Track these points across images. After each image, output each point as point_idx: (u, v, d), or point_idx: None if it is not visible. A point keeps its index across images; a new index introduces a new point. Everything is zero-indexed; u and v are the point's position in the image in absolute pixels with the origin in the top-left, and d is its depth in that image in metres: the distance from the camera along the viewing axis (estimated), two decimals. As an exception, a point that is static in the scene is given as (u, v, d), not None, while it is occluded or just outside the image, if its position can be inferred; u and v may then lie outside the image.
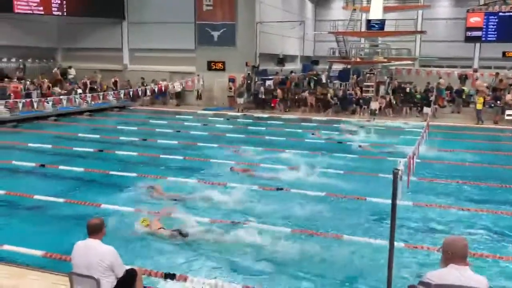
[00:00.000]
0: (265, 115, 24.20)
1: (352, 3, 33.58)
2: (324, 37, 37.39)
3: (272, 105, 26.25)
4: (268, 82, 27.70)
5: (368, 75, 27.26)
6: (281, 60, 30.77)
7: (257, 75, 28.11)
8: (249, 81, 27.11)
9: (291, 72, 29.49)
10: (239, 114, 24.73)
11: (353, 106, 24.82)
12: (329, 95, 25.21)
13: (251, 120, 22.82)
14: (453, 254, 3.75)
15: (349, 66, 30.30)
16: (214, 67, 27.53)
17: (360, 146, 15.94)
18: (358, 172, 12.39)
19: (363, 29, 31.78)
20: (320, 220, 8.83)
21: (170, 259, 7.08)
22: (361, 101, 24.65)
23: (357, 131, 19.35)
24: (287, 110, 25.63)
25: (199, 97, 27.47)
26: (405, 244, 7.58)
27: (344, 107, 24.94)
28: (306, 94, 25.85)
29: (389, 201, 4.62)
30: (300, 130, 19.53)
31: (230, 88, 26.72)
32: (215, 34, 27.13)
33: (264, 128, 20.08)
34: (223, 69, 27.36)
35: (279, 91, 26.39)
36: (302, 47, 38.33)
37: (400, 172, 5.36)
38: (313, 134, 17.98)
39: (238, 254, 7.27)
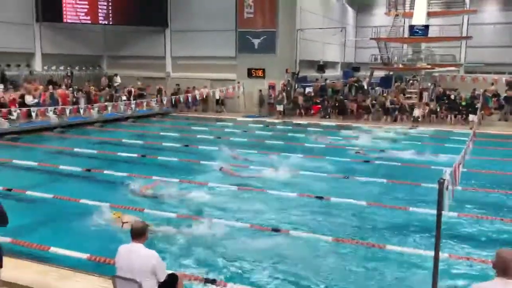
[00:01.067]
0: (305, 122, 24.11)
1: (394, 9, 33.07)
2: (365, 43, 37.02)
3: (312, 112, 26.15)
4: (308, 89, 27.62)
5: (411, 81, 26.75)
6: (321, 66, 30.64)
7: (297, 82, 28.08)
8: (288, 88, 27.11)
9: (325, 79, 29.26)
10: (278, 121, 24.74)
11: (395, 113, 24.39)
12: (369, 102, 24.89)
13: (290, 127, 22.77)
14: (502, 267, 3.62)
15: (391, 73, 29.83)
16: (254, 74, 27.67)
17: (401, 154, 15.63)
18: (400, 180, 12.14)
19: (406, 35, 31.27)
20: (364, 229, 8.71)
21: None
22: (403, 108, 24.19)
23: (398, 139, 18.98)
24: (327, 117, 25.45)
25: (238, 104, 27.61)
26: (450, 254, 7.35)
27: (385, 114, 24.54)
28: (346, 101, 25.60)
29: (434, 211, 4.50)
30: (340, 138, 19.34)
31: (270, 95, 26.78)
32: (256, 41, 27.30)
33: (303, 135, 20.01)
34: (263, 76, 27.46)
35: (319, 97, 26.26)
36: (342, 53, 38.08)
37: (446, 182, 5.22)
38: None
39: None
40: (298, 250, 7.67)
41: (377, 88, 28.80)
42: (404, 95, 25.62)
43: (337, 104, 26.05)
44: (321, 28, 30.69)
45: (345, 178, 12.29)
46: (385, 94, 27.35)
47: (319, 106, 26.33)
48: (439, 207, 4.46)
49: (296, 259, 7.30)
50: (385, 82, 29.93)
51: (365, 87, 27.90)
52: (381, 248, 7.68)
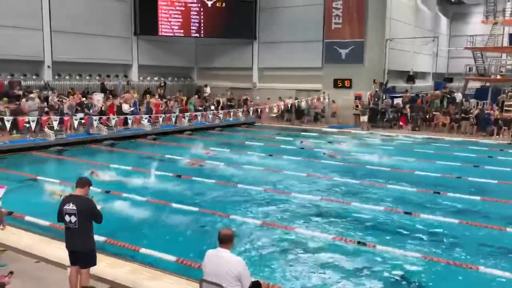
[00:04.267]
0: (392, 134, 23.38)
1: (493, 17, 31.17)
2: (459, 53, 35.25)
3: (400, 123, 25.30)
4: (396, 100, 26.79)
5: (510, 93, 24.99)
6: (411, 77, 29.57)
7: (385, 93, 27.36)
8: (376, 99, 26.48)
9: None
10: (364, 132, 24.23)
11: (492, 127, 22.89)
12: (463, 114, 23.60)
13: (376, 139, 22.19)
14: None
15: (487, 84, 28.07)
16: (340, 85, 27.37)
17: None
18: (496, 198, 11.38)
19: (505, 44, 29.31)
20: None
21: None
22: (500, 121, 22.65)
23: (495, 154, 17.79)
24: (417, 129, 24.48)
25: (323, 114, 27.43)
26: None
27: (481, 127, 23.12)
28: (438, 113, 24.47)
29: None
30: (431, 151, 18.52)
31: (356, 106, 26.32)
32: (343, 51, 27.02)
33: (391, 148, 19.41)
34: (350, 87, 27.06)
35: (408, 109, 25.38)
36: (434, 63, 36.48)
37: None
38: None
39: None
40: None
41: (471, 100, 27.22)
42: (502, 108, 23.97)
43: (427, 116, 25.00)
44: (412, 38, 29.66)
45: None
46: (479, 106, 25.80)
47: (408, 117, 25.41)
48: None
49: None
50: (481, 93, 28.24)
51: (458, 98, 26.47)
52: None
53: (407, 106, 25.68)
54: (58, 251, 6.82)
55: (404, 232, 9.11)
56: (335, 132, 24.49)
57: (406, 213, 10.08)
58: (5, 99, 19.90)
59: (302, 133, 24.07)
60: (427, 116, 25.00)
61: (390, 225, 9.49)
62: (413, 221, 9.69)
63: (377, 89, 26.84)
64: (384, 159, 16.53)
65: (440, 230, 9.18)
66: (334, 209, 10.51)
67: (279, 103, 27.28)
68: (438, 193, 11.83)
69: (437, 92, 28.27)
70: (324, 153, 17.42)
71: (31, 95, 20.50)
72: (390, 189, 12.29)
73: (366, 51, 26.60)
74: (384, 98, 26.92)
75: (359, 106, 25.92)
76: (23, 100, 19.87)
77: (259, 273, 6.93)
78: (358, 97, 26.52)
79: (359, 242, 8.27)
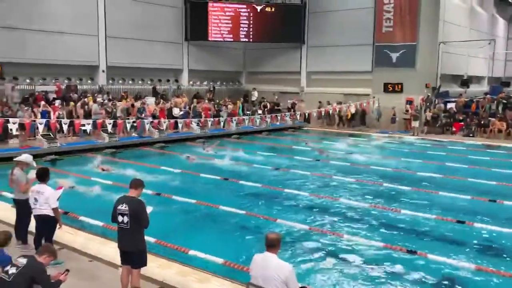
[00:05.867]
0: (445, 140, 22.66)
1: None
2: (518, 56, 33.78)
3: (454, 129, 24.49)
4: (449, 105, 25.97)
5: None
6: (465, 81, 28.56)
7: (438, 97, 26.57)
8: (428, 104, 25.75)
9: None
10: (415, 138, 23.61)
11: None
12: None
13: (428, 145, 21.57)
14: None
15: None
16: (390, 89, 26.81)
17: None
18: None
19: None
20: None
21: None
22: None
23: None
24: (471, 135, 23.60)
25: (376, 119, 26.91)
26: None
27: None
28: (493, 118, 23.51)
29: None
30: (487, 158, 17.81)
31: (407, 111, 25.69)
32: (394, 55, 26.48)
33: (444, 154, 18.83)
34: (401, 91, 26.46)
35: (462, 114, 24.52)
36: (490, 67, 35.05)
37: None
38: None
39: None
40: None
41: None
42: None
43: (482, 122, 24.07)
44: (467, 41, 28.66)
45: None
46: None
47: (462, 123, 24.57)
48: None
49: None
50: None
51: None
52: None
53: (461, 111, 24.82)
54: (111, 251, 7.03)
55: (457, 241, 8.81)
56: (385, 137, 24.00)
57: (459, 221, 9.73)
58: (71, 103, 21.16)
59: (350, 137, 23.75)
60: (482, 122, 24.07)
61: (441, 234, 9.19)
62: (466, 230, 9.35)
63: (429, 94, 26.11)
64: (435, 165, 16.05)
65: (496, 240, 8.82)
66: (384, 216, 10.30)
67: (327, 107, 27.06)
68: (494, 201, 11.36)
69: (492, 96, 27.16)
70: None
71: (98, 99, 21.62)
72: (442, 197, 11.92)
73: (418, 54, 25.95)
74: (436, 103, 26.15)
75: (409, 111, 25.30)
76: (92, 103, 21.05)
77: (306, 279, 6.88)
78: (409, 102, 25.88)
79: (409, 251, 8.07)
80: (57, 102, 20.70)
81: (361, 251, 8.16)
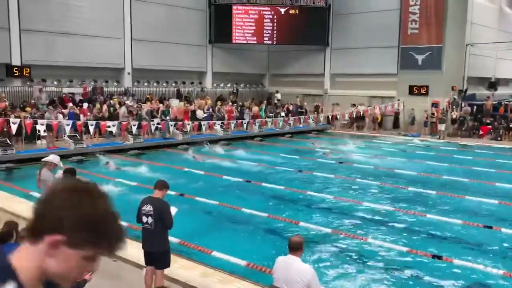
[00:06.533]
0: (472, 144, 22.24)
1: None
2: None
3: (481, 133, 24.00)
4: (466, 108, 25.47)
5: None
6: (493, 84, 27.97)
7: (464, 100, 26.08)
8: (454, 107, 25.31)
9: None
10: (441, 141, 23.22)
11: None
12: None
13: (454, 148, 21.20)
14: None
15: None
16: (416, 92, 26.43)
17: None
18: None
19: None
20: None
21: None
22: None
23: None
24: (499, 139, 23.10)
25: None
26: None
27: None
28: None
29: None
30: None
31: (433, 114, 25.29)
32: (420, 57, 26.10)
33: (470, 158, 18.48)
34: (426, 94, 26.06)
35: (490, 118, 24.02)
36: (520, 69, 34.22)
37: None
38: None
39: None
40: None
41: None
42: None
43: (510, 126, 23.53)
44: (495, 43, 28.06)
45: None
46: None
47: (489, 126, 24.08)
48: None
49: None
50: None
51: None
52: None
53: (489, 114, 24.33)
54: (135, 251, 7.10)
55: (484, 246, 8.63)
56: (409, 140, 23.68)
57: (486, 226, 9.53)
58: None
59: (374, 140, 23.51)
60: (511, 125, 23.53)
61: (468, 239, 9.01)
62: (493, 235, 9.15)
63: (455, 96, 25.66)
64: (462, 169, 15.76)
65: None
66: (408, 220, 10.16)
67: (351, 110, 26.84)
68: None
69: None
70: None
71: (127, 102, 22.04)
72: (469, 201, 11.69)
73: (444, 56, 25.53)
74: (463, 105, 25.68)
75: (435, 114, 24.90)
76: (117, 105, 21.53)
77: (329, 282, 6.84)
78: (435, 105, 25.47)
79: (434, 256, 7.93)
80: (86, 106, 21.08)
81: (385, 255, 8.07)
